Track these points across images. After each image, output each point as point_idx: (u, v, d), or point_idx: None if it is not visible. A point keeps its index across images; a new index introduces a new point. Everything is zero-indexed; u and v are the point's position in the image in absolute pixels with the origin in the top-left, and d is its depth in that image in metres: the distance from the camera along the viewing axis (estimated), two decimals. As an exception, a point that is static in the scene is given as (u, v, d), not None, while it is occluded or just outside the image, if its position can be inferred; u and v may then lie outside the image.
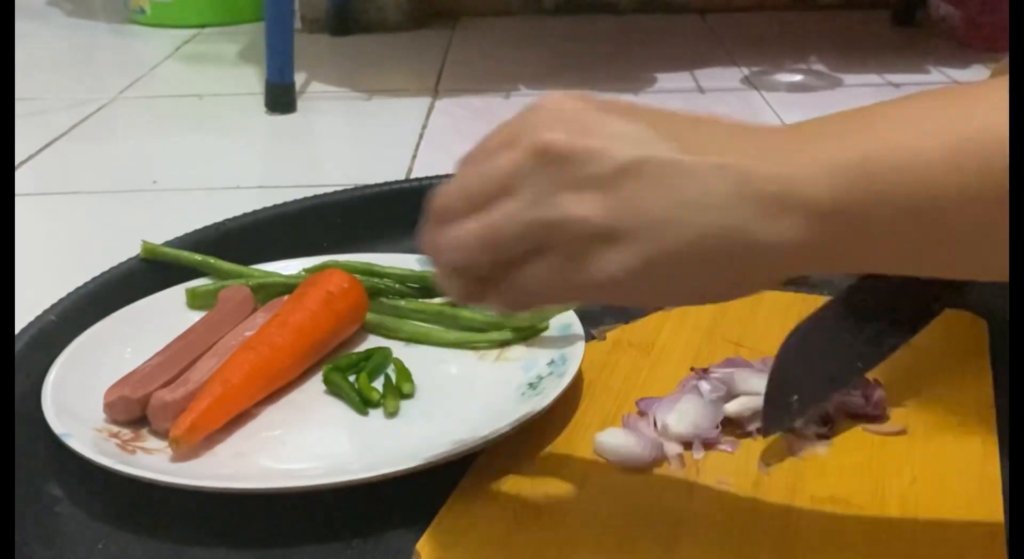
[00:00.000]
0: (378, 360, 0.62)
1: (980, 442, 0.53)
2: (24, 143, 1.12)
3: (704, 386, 0.57)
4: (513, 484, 0.52)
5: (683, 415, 0.55)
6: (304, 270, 0.71)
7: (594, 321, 0.67)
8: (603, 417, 0.57)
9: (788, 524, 0.49)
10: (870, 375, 0.57)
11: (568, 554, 0.47)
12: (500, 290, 0.41)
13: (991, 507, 0.49)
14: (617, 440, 0.54)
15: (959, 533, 0.47)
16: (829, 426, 0.55)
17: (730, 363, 0.60)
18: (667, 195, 0.38)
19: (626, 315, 0.68)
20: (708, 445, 0.54)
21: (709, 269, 0.38)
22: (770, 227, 0.37)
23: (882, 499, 0.50)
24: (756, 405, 0.55)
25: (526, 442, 0.55)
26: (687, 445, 0.54)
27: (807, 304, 0.69)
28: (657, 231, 0.38)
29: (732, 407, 0.56)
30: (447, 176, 0.92)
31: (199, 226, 0.76)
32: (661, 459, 0.54)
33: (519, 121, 0.41)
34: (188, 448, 0.53)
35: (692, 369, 0.59)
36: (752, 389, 0.56)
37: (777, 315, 0.67)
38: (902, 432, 0.55)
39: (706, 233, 0.37)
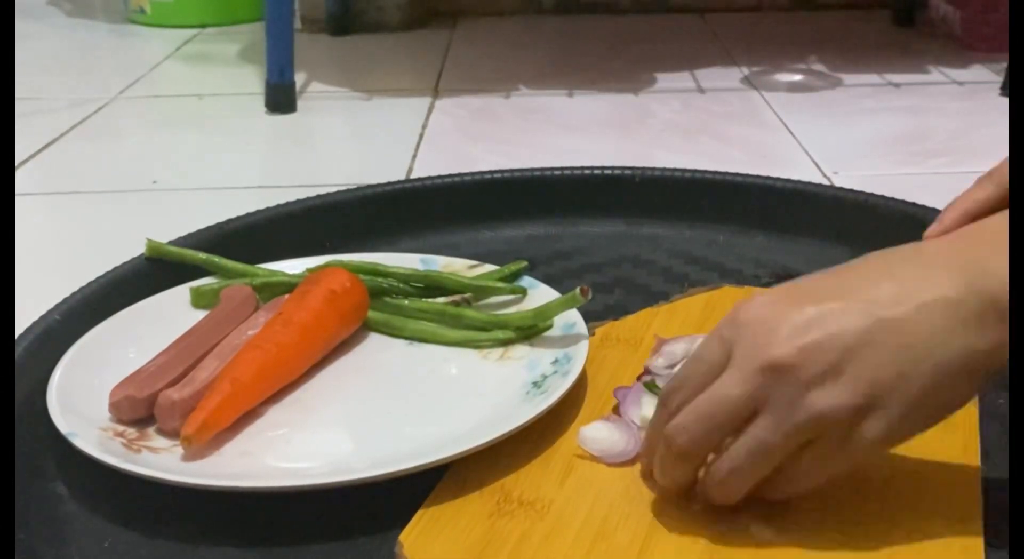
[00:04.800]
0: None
1: (962, 439, 0.53)
2: (24, 143, 1.12)
3: (655, 372, 0.58)
4: (497, 477, 0.52)
5: (647, 402, 0.56)
6: (308, 270, 0.71)
7: (583, 317, 0.67)
8: (589, 411, 0.58)
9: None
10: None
11: (547, 547, 0.48)
12: (775, 484, 0.46)
13: (969, 503, 0.49)
14: (600, 434, 0.54)
15: (940, 527, 0.47)
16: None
17: (659, 344, 0.62)
18: (895, 353, 0.42)
19: (615, 311, 0.68)
20: None
21: (953, 392, 0.44)
22: (983, 336, 0.42)
23: (863, 495, 0.49)
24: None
25: (512, 437, 0.54)
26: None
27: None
28: (902, 387, 0.42)
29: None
30: (447, 176, 0.92)
31: (199, 226, 0.76)
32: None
33: (726, 342, 0.45)
34: (197, 447, 0.53)
35: (639, 378, 0.60)
36: (688, 351, 0.58)
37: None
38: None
39: (940, 366, 0.42)
